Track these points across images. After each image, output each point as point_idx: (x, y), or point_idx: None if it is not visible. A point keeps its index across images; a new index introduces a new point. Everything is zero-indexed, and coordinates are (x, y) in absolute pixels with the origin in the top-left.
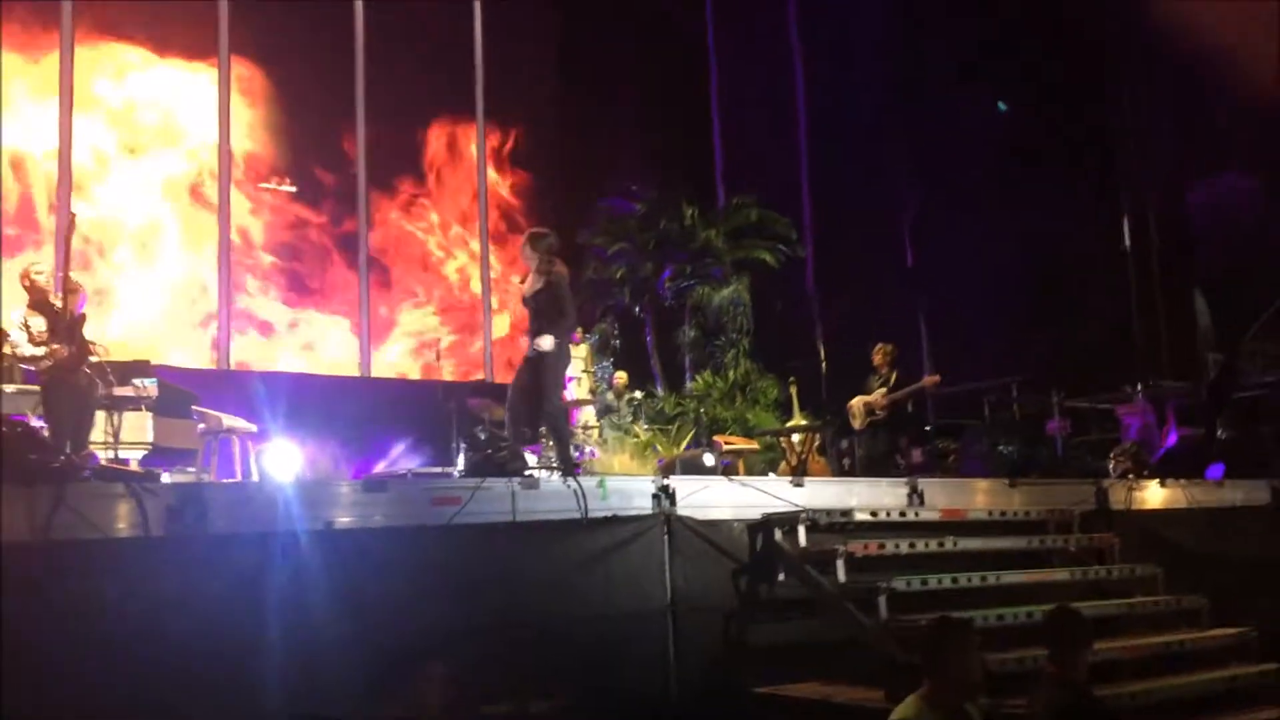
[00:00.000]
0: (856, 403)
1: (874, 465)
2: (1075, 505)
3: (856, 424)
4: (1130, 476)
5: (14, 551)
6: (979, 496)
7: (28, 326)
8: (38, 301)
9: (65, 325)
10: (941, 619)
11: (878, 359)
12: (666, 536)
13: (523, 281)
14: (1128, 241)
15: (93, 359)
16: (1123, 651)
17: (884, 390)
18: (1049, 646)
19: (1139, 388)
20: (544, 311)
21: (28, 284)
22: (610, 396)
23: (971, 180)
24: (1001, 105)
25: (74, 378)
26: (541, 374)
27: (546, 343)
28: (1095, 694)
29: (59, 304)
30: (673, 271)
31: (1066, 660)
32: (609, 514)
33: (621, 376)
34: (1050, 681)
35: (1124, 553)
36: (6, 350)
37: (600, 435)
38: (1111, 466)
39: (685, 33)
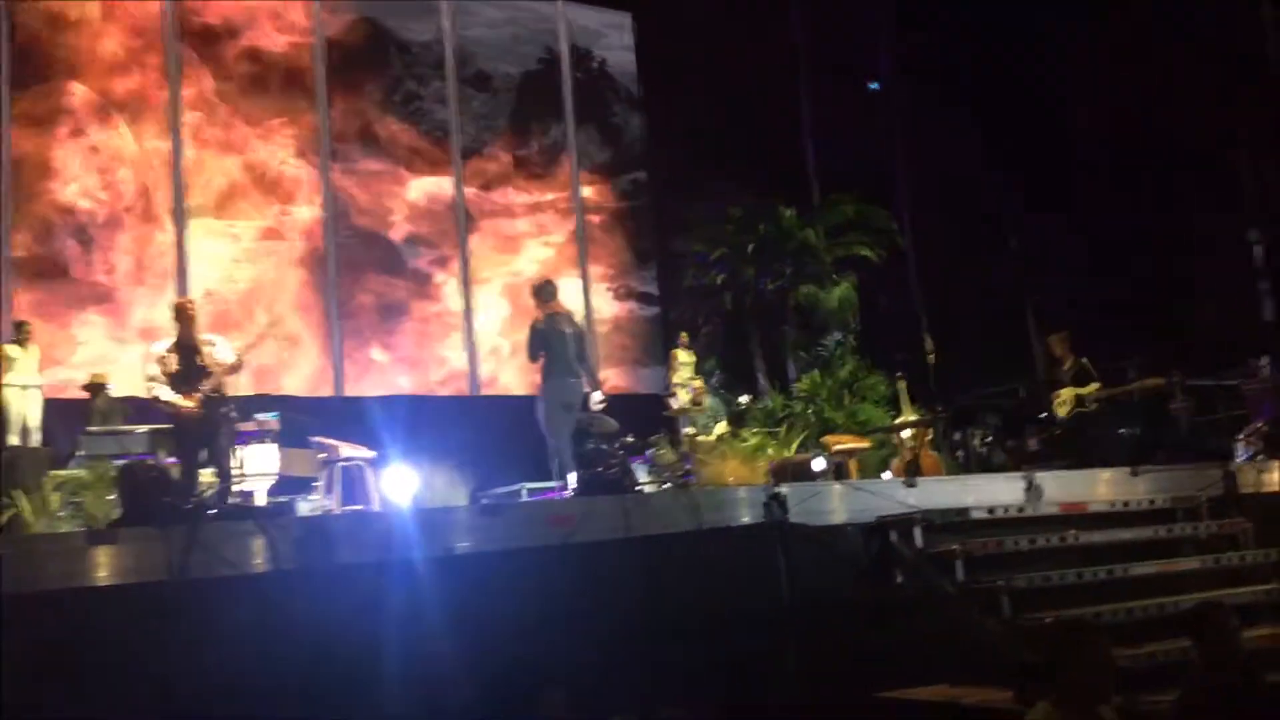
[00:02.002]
0: (1068, 393)
1: (1084, 452)
2: (1203, 491)
3: (1063, 411)
4: (1260, 458)
5: (154, 589)
6: (1100, 487)
7: (164, 361)
8: (186, 336)
9: (212, 371)
10: (1063, 622)
11: (1058, 349)
12: (781, 544)
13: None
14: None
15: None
16: (1261, 640)
17: (1097, 386)
18: (1197, 641)
19: (1264, 362)
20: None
21: (187, 315)
22: (687, 401)
23: (1076, 157)
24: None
25: (210, 418)
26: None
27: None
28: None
29: (211, 348)
30: (773, 273)
31: (1216, 654)
32: (723, 525)
33: (698, 382)
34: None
35: (1257, 537)
36: (145, 394)
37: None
38: (1241, 448)
39: (770, 30)
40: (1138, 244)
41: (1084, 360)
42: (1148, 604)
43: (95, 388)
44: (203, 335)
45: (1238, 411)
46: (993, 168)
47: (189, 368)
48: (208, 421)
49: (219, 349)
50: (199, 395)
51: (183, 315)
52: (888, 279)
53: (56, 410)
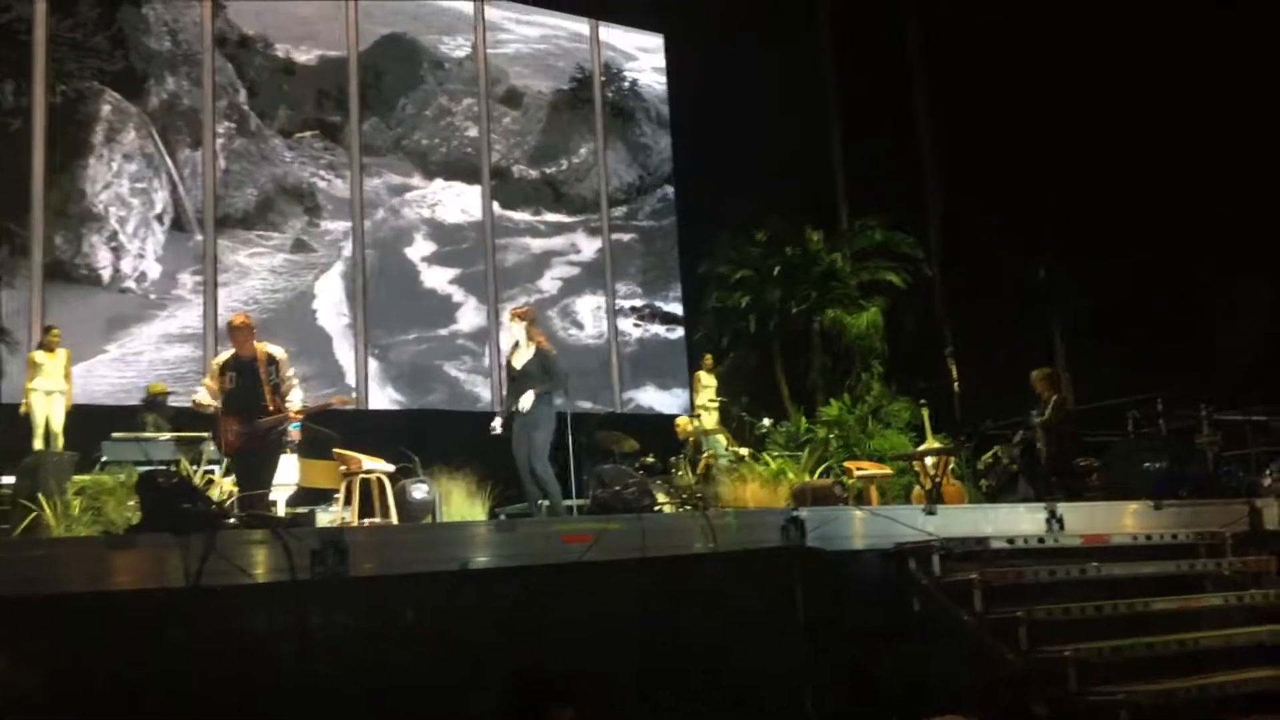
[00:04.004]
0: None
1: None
2: (1227, 526)
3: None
4: None
5: (170, 597)
6: (1123, 519)
7: (219, 381)
8: (244, 353)
9: (271, 399)
10: None
11: (1039, 387)
12: (797, 569)
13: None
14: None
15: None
16: None
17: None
18: None
19: None
20: (536, 377)
21: (241, 332)
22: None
23: (1106, 184)
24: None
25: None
26: (532, 436)
27: (527, 401)
28: None
29: (274, 367)
30: (799, 297)
31: None
32: (739, 548)
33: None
34: None
35: None
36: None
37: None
38: (1267, 484)
39: (800, 55)
40: (1169, 273)
41: (1055, 396)
42: (1168, 639)
43: (153, 398)
44: (267, 348)
45: (1268, 447)
46: (1024, 195)
47: (248, 390)
48: (252, 449)
49: (287, 370)
50: (249, 426)
51: (235, 333)
52: (914, 305)
53: (82, 416)
